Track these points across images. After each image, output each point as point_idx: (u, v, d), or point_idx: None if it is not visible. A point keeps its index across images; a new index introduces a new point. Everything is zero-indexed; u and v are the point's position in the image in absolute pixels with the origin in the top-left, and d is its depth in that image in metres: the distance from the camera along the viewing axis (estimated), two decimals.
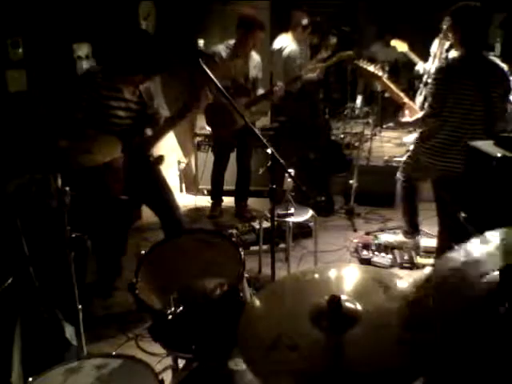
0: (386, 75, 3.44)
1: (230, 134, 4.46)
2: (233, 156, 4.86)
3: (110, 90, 2.93)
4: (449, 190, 3.06)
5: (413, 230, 3.78)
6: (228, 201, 5.07)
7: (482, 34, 2.91)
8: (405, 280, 1.41)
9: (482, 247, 1.25)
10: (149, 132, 3.19)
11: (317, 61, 5.67)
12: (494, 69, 2.91)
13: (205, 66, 2.38)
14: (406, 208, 3.73)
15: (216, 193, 4.86)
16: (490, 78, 2.88)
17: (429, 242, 3.84)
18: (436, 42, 5.43)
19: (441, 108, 3.03)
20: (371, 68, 3.44)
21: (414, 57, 5.27)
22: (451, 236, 3.16)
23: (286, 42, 5.52)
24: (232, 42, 4.36)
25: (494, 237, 1.28)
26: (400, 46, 5.30)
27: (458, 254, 1.25)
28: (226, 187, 4.94)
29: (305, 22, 5.71)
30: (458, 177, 2.92)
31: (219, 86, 2.50)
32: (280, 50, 5.47)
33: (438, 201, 3.23)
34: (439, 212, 3.25)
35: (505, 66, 2.95)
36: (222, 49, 4.34)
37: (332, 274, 1.53)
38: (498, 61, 2.95)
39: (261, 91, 4.50)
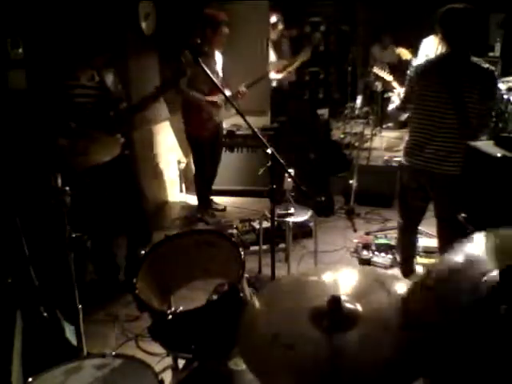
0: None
1: (209, 130, 4.48)
2: (229, 155, 4.90)
3: (68, 79, 3.10)
4: (439, 192, 3.05)
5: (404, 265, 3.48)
6: (227, 201, 5.09)
7: (467, 36, 2.88)
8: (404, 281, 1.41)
9: (480, 247, 1.25)
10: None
11: (283, 65, 5.83)
12: (473, 70, 2.84)
13: (203, 65, 2.41)
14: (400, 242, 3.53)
15: (206, 200, 4.83)
16: (465, 78, 2.82)
17: (429, 242, 3.84)
18: (426, 42, 5.43)
19: (405, 104, 3.12)
20: (383, 74, 3.79)
21: None
22: (451, 237, 3.16)
23: None
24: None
25: (489, 237, 1.28)
26: (404, 54, 5.34)
27: (457, 255, 1.25)
28: (224, 187, 4.97)
29: (272, 20, 5.75)
30: (446, 179, 2.92)
31: (216, 82, 2.53)
32: None
33: (434, 203, 3.21)
34: (435, 213, 3.23)
35: (491, 68, 2.87)
36: None
37: (332, 274, 1.53)
38: (484, 63, 2.91)
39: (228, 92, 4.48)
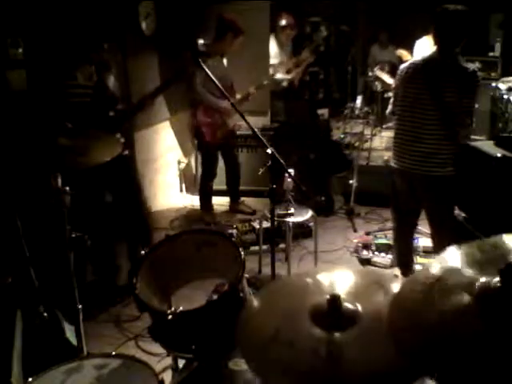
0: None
1: (222, 137, 4.46)
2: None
3: (65, 79, 3.12)
4: (427, 194, 3.04)
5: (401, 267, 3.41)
6: (228, 200, 5.09)
7: (456, 37, 2.87)
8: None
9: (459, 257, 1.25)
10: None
11: (293, 63, 5.78)
12: (454, 70, 2.83)
13: (204, 66, 2.41)
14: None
15: (208, 201, 4.81)
16: (444, 78, 2.82)
17: (428, 241, 3.84)
18: (420, 44, 5.44)
19: (395, 106, 3.11)
20: (384, 76, 3.82)
21: None
22: (444, 239, 3.15)
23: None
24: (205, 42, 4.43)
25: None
26: (405, 55, 5.35)
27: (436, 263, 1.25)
28: (224, 187, 4.97)
29: (282, 23, 5.75)
30: (432, 180, 2.91)
31: (218, 84, 2.52)
32: None
33: (423, 205, 3.19)
34: (426, 216, 3.22)
35: (473, 68, 2.86)
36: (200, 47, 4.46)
37: (332, 274, 1.53)
38: (467, 64, 2.89)
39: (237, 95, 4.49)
